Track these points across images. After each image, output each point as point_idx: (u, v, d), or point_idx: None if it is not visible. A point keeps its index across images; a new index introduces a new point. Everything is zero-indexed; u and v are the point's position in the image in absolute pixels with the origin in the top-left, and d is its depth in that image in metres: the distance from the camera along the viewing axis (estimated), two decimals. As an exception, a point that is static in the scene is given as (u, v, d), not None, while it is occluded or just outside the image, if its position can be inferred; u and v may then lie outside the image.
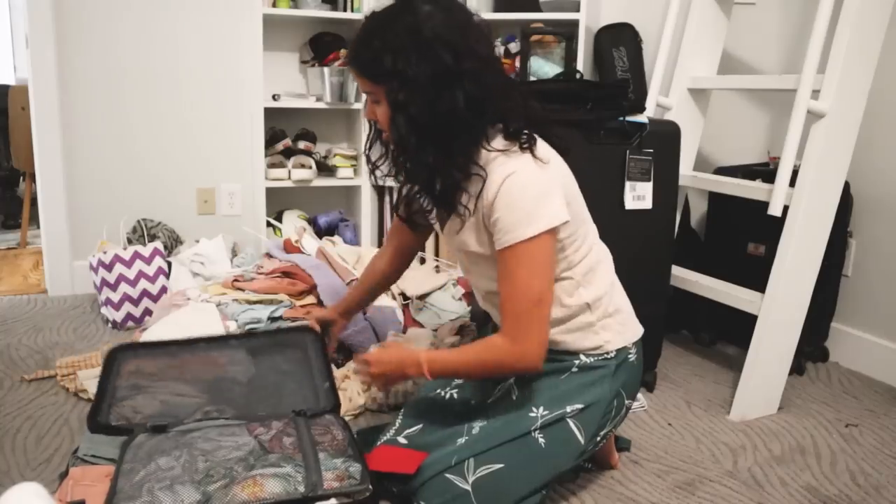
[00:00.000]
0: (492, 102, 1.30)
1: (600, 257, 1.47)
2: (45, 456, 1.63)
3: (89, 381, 1.93)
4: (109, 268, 2.44)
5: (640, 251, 1.97)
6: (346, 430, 1.48)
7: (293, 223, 2.96)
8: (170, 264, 2.58)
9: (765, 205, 1.95)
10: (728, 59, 2.63)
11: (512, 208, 1.27)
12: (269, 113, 2.89)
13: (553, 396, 1.41)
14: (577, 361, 1.44)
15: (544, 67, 2.84)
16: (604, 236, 1.53)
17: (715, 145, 2.77)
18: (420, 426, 1.51)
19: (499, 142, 1.33)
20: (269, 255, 2.53)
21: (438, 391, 1.57)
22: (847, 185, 2.20)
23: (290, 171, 2.92)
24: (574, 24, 2.83)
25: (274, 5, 2.86)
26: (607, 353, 1.45)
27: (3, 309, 2.62)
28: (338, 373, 1.93)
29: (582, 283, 1.41)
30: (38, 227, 2.97)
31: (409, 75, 1.24)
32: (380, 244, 3.14)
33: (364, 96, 1.37)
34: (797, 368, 2.25)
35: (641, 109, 1.94)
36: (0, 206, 4.10)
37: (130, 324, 2.46)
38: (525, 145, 1.32)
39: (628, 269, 1.61)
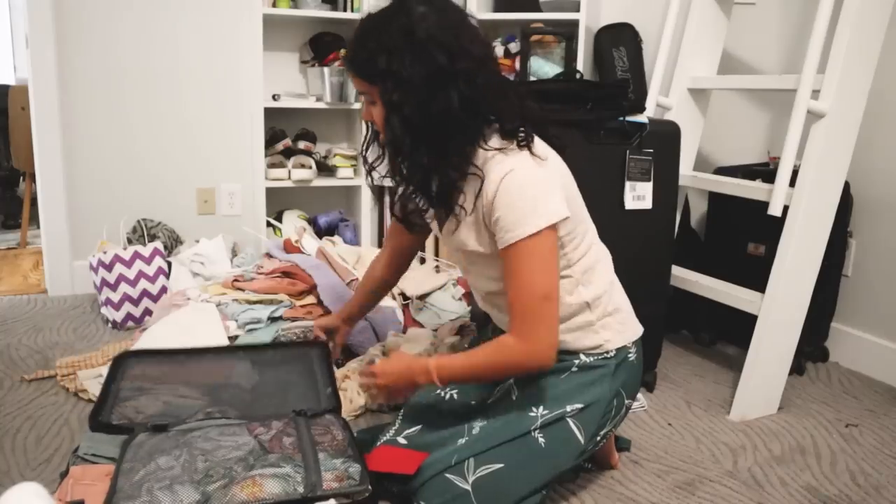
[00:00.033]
0: (486, 102, 1.30)
1: (599, 256, 1.47)
2: (45, 456, 1.63)
3: (89, 381, 1.93)
4: (109, 268, 2.44)
5: (640, 251, 1.97)
6: (346, 431, 1.48)
7: (293, 223, 2.96)
8: (170, 264, 2.58)
9: (765, 205, 1.95)
10: (728, 59, 2.63)
11: (512, 207, 1.28)
12: (269, 113, 2.89)
13: (553, 396, 1.41)
14: (576, 361, 1.44)
15: (544, 67, 2.84)
16: (604, 236, 1.53)
17: (715, 145, 2.77)
18: (420, 426, 1.51)
19: (496, 141, 1.33)
20: (269, 255, 2.53)
21: (438, 391, 1.57)
22: (847, 185, 2.20)
23: (290, 171, 2.92)
24: (574, 24, 2.83)
25: (274, 5, 2.87)
26: (607, 352, 1.45)
27: (3, 309, 2.62)
28: (338, 373, 1.93)
29: (581, 282, 1.41)
30: (38, 227, 2.97)
31: (404, 76, 1.25)
32: (380, 244, 3.14)
33: (363, 97, 1.37)
34: (797, 368, 2.25)
35: (641, 109, 1.94)
36: (0, 206, 4.10)
37: (130, 324, 2.46)
38: (522, 143, 1.32)
39: (628, 269, 1.61)
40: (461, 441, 1.40)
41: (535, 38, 2.85)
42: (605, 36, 2.95)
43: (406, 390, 1.44)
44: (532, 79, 2.83)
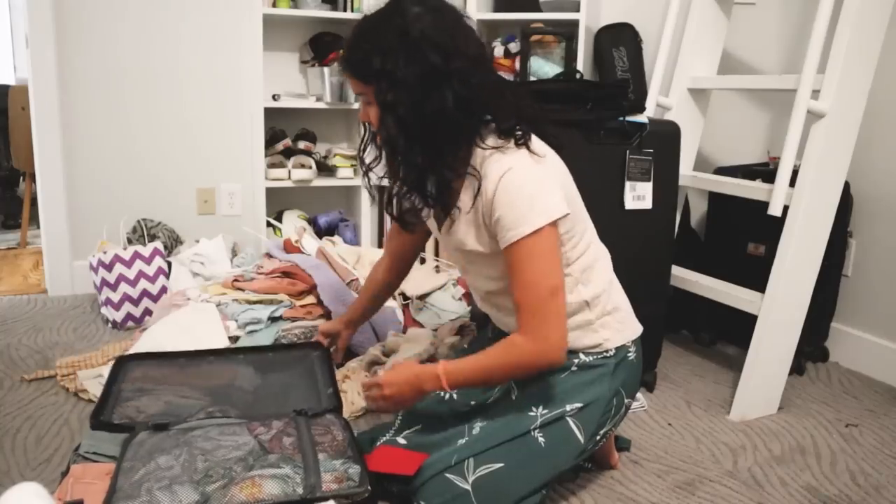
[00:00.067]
0: (482, 102, 1.30)
1: (598, 255, 1.47)
2: (45, 456, 1.63)
3: (89, 381, 1.93)
4: (109, 268, 2.44)
5: (640, 251, 1.97)
6: (346, 431, 1.48)
7: (293, 223, 2.96)
8: (170, 264, 2.58)
9: (765, 205, 1.95)
10: (728, 59, 2.63)
11: (512, 205, 1.28)
12: (269, 113, 2.89)
13: (552, 395, 1.41)
14: (576, 360, 1.43)
15: (544, 67, 2.84)
16: (604, 236, 1.53)
17: (715, 145, 2.77)
18: (420, 426, 1.51)
19: (493, 140, 1.33)
20: (269, 255, 2.53)
21: (438, 391, 1.57)
22: (847, 185, 2.20)
23: (290, 171, 2.92)
24: (574, 24, 2.83)
25: (274, 5, 2.87)
26: (606, 351, 1.45)
27: (3, 309, 2.62)
28: (338, 373, 1.93)
29: (580, 281, 1.41)
30: (38, 227, 2.97)
31: (398, 76, 1.25)
32: (380, 244, 3.14)
33: (360, 98, 1.38)
34: (797, 368, 2.25)
35: (641, 109, 1.94)
36: (0, 206, 4.10)
37: (130, 324, 2.46)
38: (520, 142, 1.32)
39: (628, 269, 1.61)
40: (461, 441, 1.40)
41: (535, 38, 2.85)
42: (605, 36, 2.95)
43: (413, 399, 1.40)
44: (532, 79, 2.83)
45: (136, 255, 2.49)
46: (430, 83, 1.25)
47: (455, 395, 1.55)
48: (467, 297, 2.41)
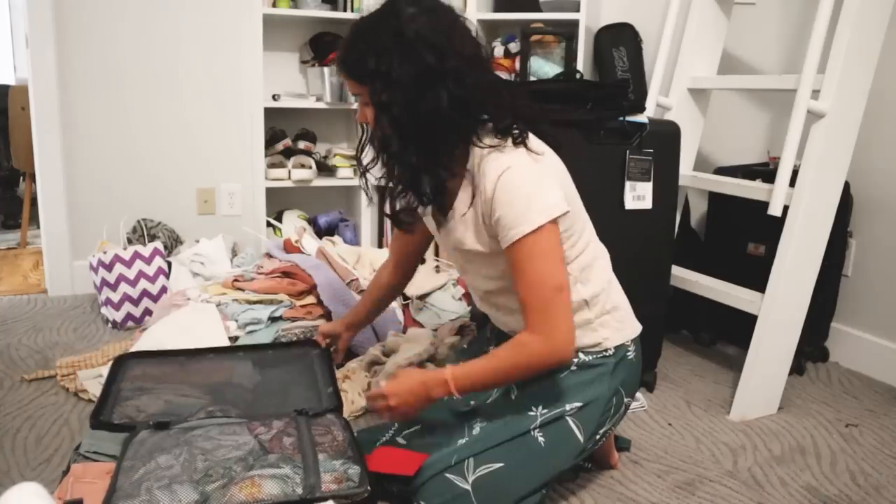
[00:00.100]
0: (478, 101, 1.31)
1: (597, 254, 1.47)
2: (45, 456, 1.63)
3: (89, 381, 1.93)
4: (109, 268, 2.44)
5: (640, 251, 1.97)
6: (346, 431, 1.48)
7: (293, 223, 2.96)
8: (170, 264, 2.58)
9: (765, 205, 1.95)
10: (728, 59, 2.63)
11: (511, 204, 1.28)
12: (269, 113, 2.89)
13: (552, 395, 1.41)
14: (575, 359, 1.43)
15: (544, 67, 2.84)
16: (603, 236, 1.53)
17: (715, 145, 2.77)
18: (420, 426, 1.51)
19: (491, 139, 1.33)
20: (269, 255, 2.53)
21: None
22: (847, 185, 2.20)
23: (290, 171, 2.92)
24: (574, 24, 2.83)
25: (274, 5, 2.87)
26: (606, 350, 1.45)
27: (3, 309, 2.62)
28: (338, 373, 1.93)
29: (579, 280, 1.41)
30: (38, 227, 2.97)
31: (392, 76, 1.25)
32: (380, 244, 3.14)
33: (357, 98, 1.38)
34: (797, 368, 2.25)
35: (641, 109, 1.94)
36: (0, 206, 4.10)
37: (130, 324, 2.46)
38: (518, 140, 1.32)
39: (628, 269, 1.61)
40: (461, 441, 1.40)
41: (535, 38, 2.85)
42: (605, 36, 2.95)
43: (420, 407, 1.37)
44: (532, 79, 2.83)
45: (136, 255, 2.49)
46: (424, 83, 1.26)
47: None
48: (467, 297, 2.41)
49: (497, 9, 3.02)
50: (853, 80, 1.85)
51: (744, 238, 2.38)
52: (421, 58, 1.25)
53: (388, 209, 1.48)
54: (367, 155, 1.43)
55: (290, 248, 2.55)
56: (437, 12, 1.30)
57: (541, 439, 1.37)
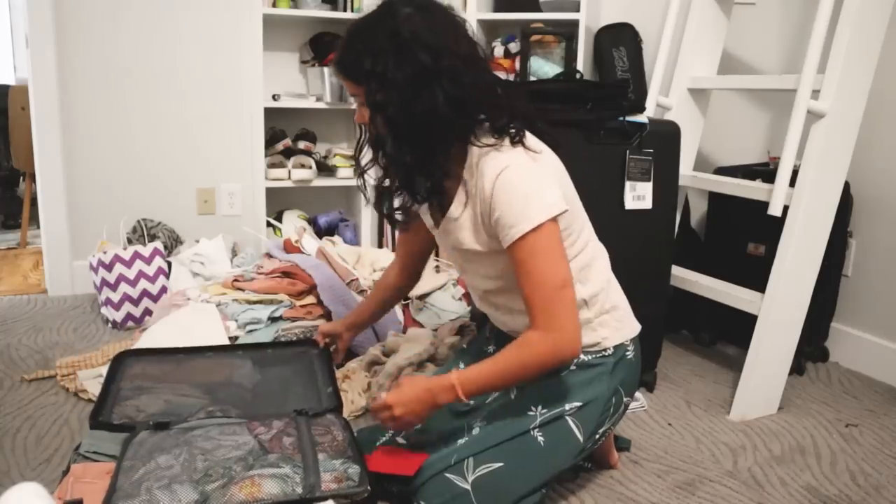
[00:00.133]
0: (474, 101, 1.31)
1: (596, 254, 1.47)
2: (45, 456, 1.63)
3: (89, 381, 1.93)
4: (109, 268, 2.44)
5: (640, 251, 1.97)
6: (346, 431, 1.48)
7: (293, 223, 2.96)
8: (170, 264, 2.59)
9: (765, 205, 1.95)
10: (728, 59, 2.63)
11: (511, 203, 1.28)
12: (269, 113, 2.89)
13: (551, 395, 1.41)
14: (575, 359, 1.43)
15: (544, 67, 2.84)
16: (603, 236, 1.52)
17: (715, 145, 2.77)
18: (419, 426, 1.51)
19: (488, 138, 1.33)
20: (269, 255, 2.53)
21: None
22: (847, 185, 2.20)
23: (290, 171, 2.92)
24: (574, 24, 2.83)
25: (274, 5, 2.87)
26: (605, 350, 1.45)
27: (3, 309, 2.62)
28: (338, 373, 1.93)
29: (578, 279, 1.41)
30: (38, 227, 2.97)
31: (388, 76, 1.26)
32: (380, 244, 3.14)
33: (355, 99, 1.38)
34: (797, 368, 2.25)
35: (641, 109, 1.94)
36: (0, 206, 4.10)
37: (130, 324, 2.46)
38: (515, 139, 1.32)
39: (628, 269, 1.61)
40: (461, 441, 1.40)
41: (535, 38, 2.85)
42: (605, 36, 2.95)
43: (426, 415, 1.34)
44: (532, 79, 2.83)
45: (136, 255, 2.49)
46: (420, 83, 1.26)
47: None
48: (467, 297, 2.41)
49: (497, 9, 3.02)
50: (853, 80, 1.85)
51: (744, 238, 2.38)
52: (416, 58, 1.25)
53: (383, 208, 1.48)
54: (366, 156, 1.43)
55: (290, 248, 2.55)
56: (433, 12, 1.30)
57: (540, 439, 1.37)
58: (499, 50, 2.99)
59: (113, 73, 2.73)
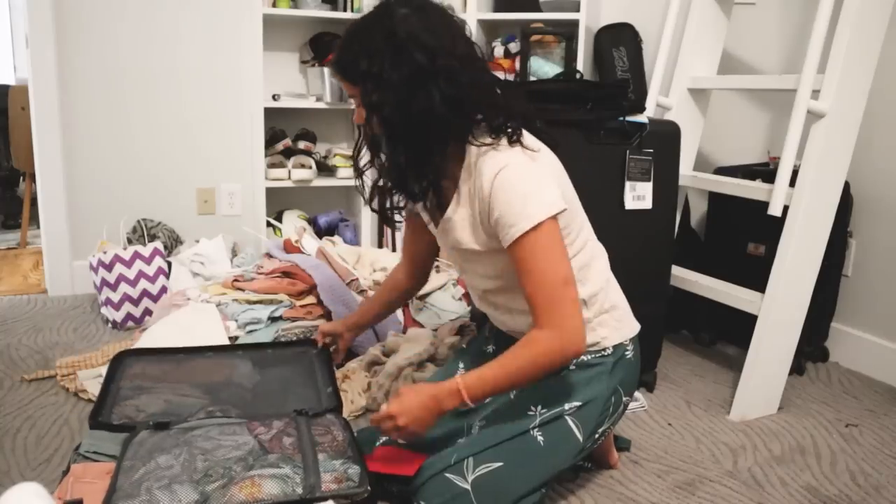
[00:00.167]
0: (471, 100, 1.31)
1: (595, 253, 1.47)
2: (45, 456, 1.63)
3: (89, 381, 1.93)
4: (109, 268, 2.44)
5: (640, 251, 1.97)
6: (346, 431, 1.48)
7: (293, 223, 2.96)
8: (170, 264, 2.59)
9: (765, 205, 1.95)
10: (728, 59, 2.63)
11: (510, 203, 1.28)
12: (269, 113, 2.89)
13: (551, 394, 1.41)
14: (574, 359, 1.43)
15: (544, 67, 2.84)
16: (603, 236, 1.52)
17: (715, 145, 2.77)
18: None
19: (486, 138, 1.33)
20: (269, 255, 2.53)
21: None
22: (847, 185, 2.20)
23: (290, 171, 2.92)
24: (574, 24, 2.83)
25: (274, 5, 2.87)
26: (604, 349, 1.45)
27: (3, 309, 2.62)
28: (338, 373, 1.94)
29: (577, 279, 1.40)
30: (38, 227, 2.97)
31: (384, 77, 1.26)
32: (380, 244, 3.14)
33: (353, 100, 1.38)
34: (797, 368, 2.25)
35: (641, 109, 1.94)
36: (0, 206, 4.10)
37: (130, 324, 2.46)
38: (513, 138, 1.32)
39: (628, 269, 1.61)
40: (460, 440, 1.40)
41: (535, 38, 2.85)
42: (605, 36, 2.95)
43: (432, 422, 1.31)
44: (532, 79, 2.83)
45: (136, 255, 2.49)
46: (416, 83, 1.26)
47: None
48: (467, 297, 2.41)
49: (497, 9, 3.02)
50: (853, 80, 1.85)
51: (744, 238, 2.38)
52: (412, 58, 1.25)
53: (375, 206, 1.48)
54: (364, 157, 1.43)
55: (290, 248, 2.55)
56: (430, 13, 1.30)
57: (540, 439, 1.37)
58: (499, 50, 2.99)
59: (113, 73, 2.73)
